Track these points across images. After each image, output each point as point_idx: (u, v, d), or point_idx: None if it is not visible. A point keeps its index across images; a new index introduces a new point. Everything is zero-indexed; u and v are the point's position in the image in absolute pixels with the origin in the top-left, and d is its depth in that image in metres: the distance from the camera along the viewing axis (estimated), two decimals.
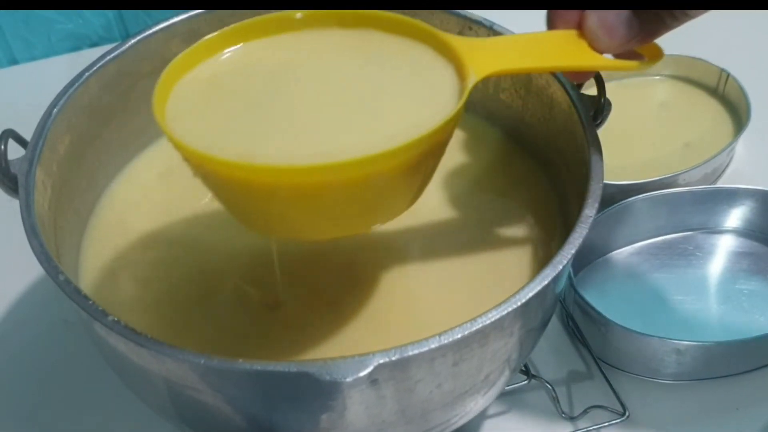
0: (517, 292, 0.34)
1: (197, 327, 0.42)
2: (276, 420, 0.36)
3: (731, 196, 0.56)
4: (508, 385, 0.48)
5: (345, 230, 0.37)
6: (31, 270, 0.55)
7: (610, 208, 0.54)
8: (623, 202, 0.54)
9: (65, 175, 0.43)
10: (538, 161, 0.49)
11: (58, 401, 0.50)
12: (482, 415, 0.48)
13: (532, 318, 0.37)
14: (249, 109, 0.35)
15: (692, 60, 0.64)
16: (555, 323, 0.53)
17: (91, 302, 0.34)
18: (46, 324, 0.53)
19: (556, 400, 0.48)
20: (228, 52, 0.37)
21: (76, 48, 0.76)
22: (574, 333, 0.52)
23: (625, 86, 0.65)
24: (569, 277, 0.50)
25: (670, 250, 0.56)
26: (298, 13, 0.38)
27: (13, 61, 0.76)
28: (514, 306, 0.34)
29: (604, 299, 0.52)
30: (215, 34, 0.36)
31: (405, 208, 0.37)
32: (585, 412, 0.48)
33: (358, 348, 0.32)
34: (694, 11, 0.35)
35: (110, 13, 0.75)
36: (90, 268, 0.44)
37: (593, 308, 0.49)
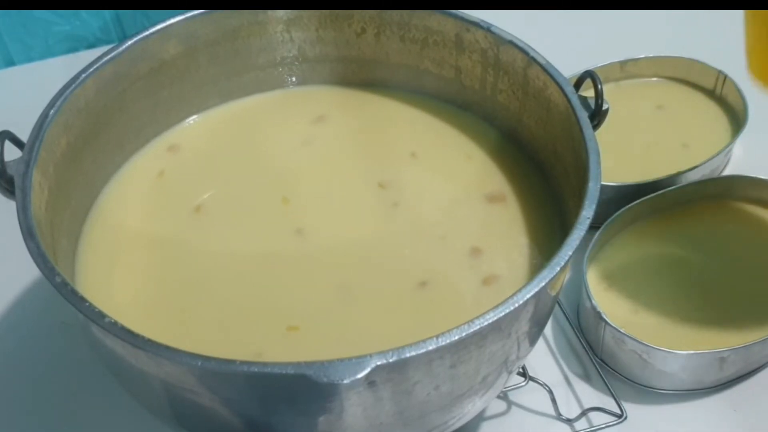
0: (515, 294, 0.34)
1: (194, 329, 0.42)
2: (273, 422, 0.36)
3: None
4: (505, 387, 0.48)
5: None
6: (28, 272, 0.55)
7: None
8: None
9: (62, 177, 0.43)
10: (535, 162, 0.49)
11: (55, 403, 0.50)
12: (480, 417, 0.48)
13: (530, 320, 0.37)
14: None
15: (690, 62, 0.64)
16: (552, 325, 0.53)
17: (88, 304, 0.34)
18: (43, 326, 0.53)
19: (553, 401, 0.48)
20: None
21: (73, 50, 0.76)
22: (579, 340, 0.51)
23: (622, 88, 0.65)
24: (590, 301, 0.49)
25: None
26: None
27: (11, 63, 0.76)
28: (512, 308, 0.34)
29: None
30: None
31: None
32: (583, 414, 0.48)
33: (356, 350, 0.32)
34: None
35: (107, 15, 0.75)
36: (87, 269, 0.44)
37: (632, 338, 0.47)
